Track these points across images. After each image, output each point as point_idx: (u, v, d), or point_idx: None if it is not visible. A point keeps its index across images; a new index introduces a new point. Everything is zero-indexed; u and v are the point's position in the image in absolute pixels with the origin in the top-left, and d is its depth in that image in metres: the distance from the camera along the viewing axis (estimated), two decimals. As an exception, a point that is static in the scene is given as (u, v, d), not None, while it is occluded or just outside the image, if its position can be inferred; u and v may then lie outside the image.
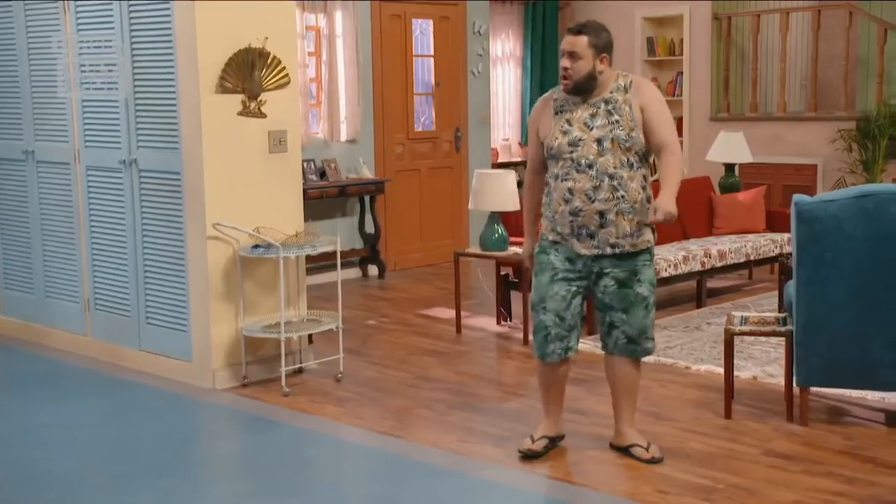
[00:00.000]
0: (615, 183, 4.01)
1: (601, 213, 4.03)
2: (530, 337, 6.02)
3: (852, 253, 4.44)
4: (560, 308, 4.15)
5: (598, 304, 4.21)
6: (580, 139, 4.04)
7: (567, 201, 4.06)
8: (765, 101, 10.00)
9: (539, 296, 4.18)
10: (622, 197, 4.02)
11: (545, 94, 4.27)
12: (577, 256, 4.12)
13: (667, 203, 3.92)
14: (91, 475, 4.31)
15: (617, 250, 4.07)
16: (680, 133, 10.49)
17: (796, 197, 4.56)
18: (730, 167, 8.23)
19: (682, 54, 10.46)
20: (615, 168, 4.01)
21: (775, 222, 7.85)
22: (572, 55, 4.02)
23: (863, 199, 4.43)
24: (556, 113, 4.14)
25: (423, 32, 9.27)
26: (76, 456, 4.53)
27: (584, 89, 4.07)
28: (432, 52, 9.31)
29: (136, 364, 5.78)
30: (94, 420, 5.05)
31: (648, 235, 4.13)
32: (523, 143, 10.77)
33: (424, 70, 9.34)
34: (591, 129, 4.04)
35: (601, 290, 4.15)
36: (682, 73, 10.46)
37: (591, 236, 4.06)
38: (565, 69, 4.05)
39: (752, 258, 7.36)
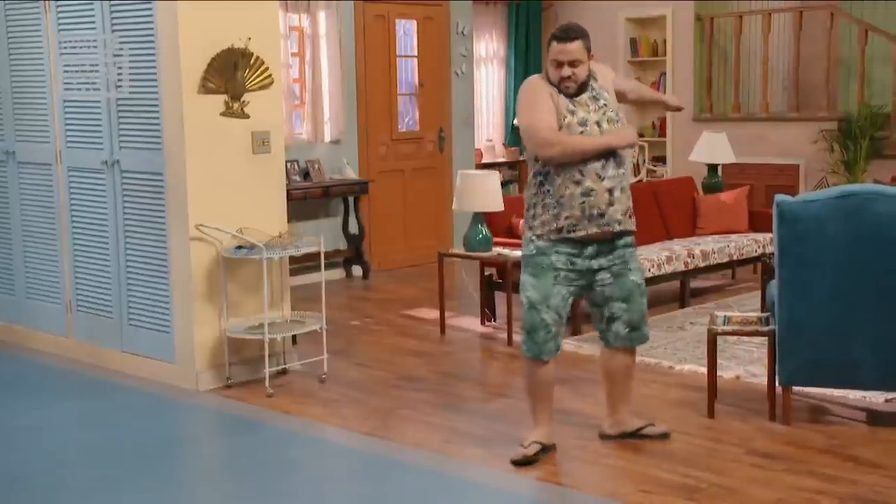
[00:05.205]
0: (617, 160, 4.17)
1: (610, 191, 4.13)
2: (514, 336, 6.08)
3: (834, 253, 4.46)
4: (560, 306, 4.22)
5: (597, 299, 4.29)
6: (585, 119, 4.15)
7: (578, 182, 4.11)
8: (747, 101, 10.03)
9: (541, 294, 4.19)
10: (623, 174, 4.18)
11: (540, 82, 4.22)
12: (579, 255, 4.17)
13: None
14: (72, 478, 4.29)
15: (619, 227, 4.17)
16: (663, 133, 10.55)
17: (779, 197, 4.58)
18: (713, 167, 8.26)
19: (665, 55, 10.49)
20: None
21: (758, 222, 7.87)
22: (573, 63, 4.12)
23: (844, 199, 4.45)
24: (558, 96, 4.19)
25: (407, 33, 9.26)
26: (57, 459, 4.50)
27: (583, 90, 4.20)
28: (416, 53, 9.30)
29: (119, 366, 5.75)
30: (75, 422, 5.03)
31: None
32: (507, 143, 10.77)
33: (408, 70, 9.33)
34: (590, 112, 4.17)
35: (599, 284, 4.24)
36: (665, 73, 10.49)
37: (602, 215, 4.14)
38: (568, 77, 4.13)
39: (734, 258, 7.39)
